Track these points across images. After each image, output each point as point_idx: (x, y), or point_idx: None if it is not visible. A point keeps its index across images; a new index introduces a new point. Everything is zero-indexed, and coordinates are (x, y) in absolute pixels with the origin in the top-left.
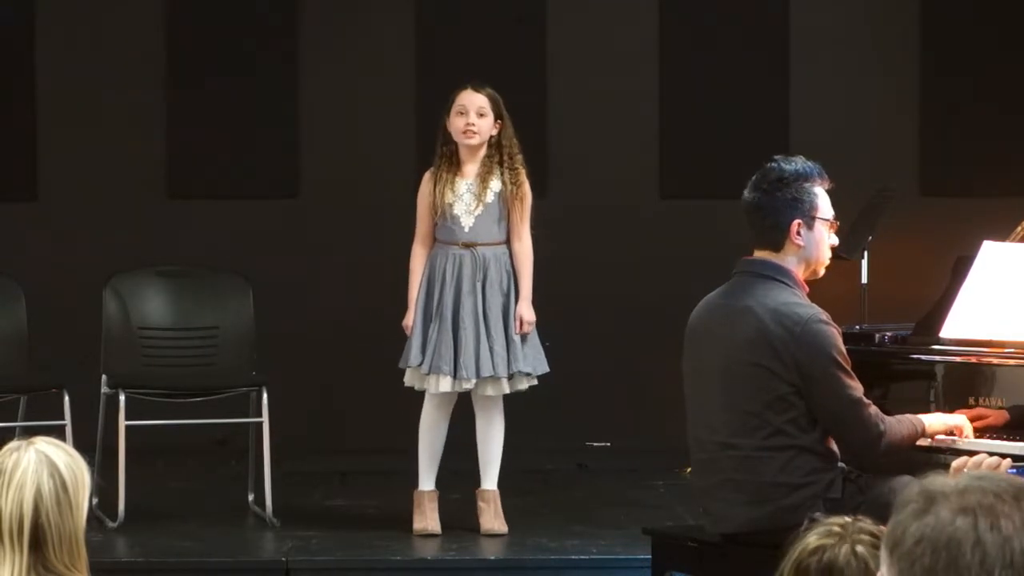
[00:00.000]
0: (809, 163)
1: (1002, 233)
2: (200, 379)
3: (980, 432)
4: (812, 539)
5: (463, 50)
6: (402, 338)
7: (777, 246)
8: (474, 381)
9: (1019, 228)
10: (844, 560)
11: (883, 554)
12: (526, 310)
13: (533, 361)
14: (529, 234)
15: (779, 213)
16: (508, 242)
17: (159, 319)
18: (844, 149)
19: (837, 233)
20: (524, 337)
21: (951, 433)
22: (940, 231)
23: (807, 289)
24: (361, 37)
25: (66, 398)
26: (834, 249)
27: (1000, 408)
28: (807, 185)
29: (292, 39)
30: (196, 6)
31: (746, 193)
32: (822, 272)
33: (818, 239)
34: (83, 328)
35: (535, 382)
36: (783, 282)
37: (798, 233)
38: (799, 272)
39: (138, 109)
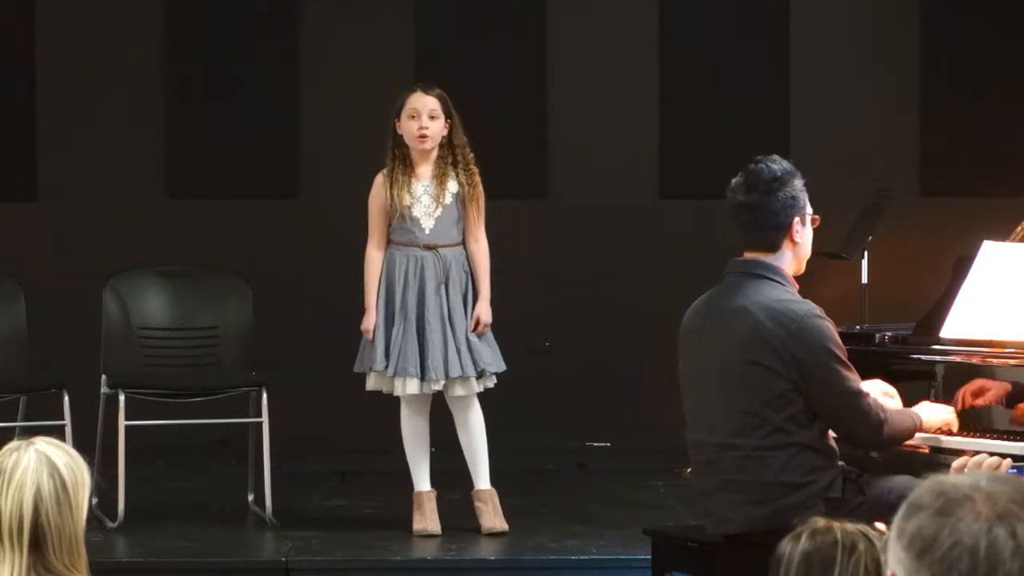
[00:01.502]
0: (785, 161)
1: (1002, 233)
2: (200, 379)
3: (981, 432)
4: (804, 536)
5: (463, 50)
6: None
7: (774, 246)
8: (443, 382)
9: (1019, 228)
10: (853, 536)
11: (904, 556)
12: (485, 311)
13: (493, 360)
14: (484, 234)
15: (779, 213)
16: (464, 243)
17: (159, 319)
18: (844, 149)
19: (825, 233)
20: (483, 336)
21: (941, 431)
22: (940, 231)
23: (797, 286)
24: (361, 37)
25: (66, 398)
26: (832, 249)
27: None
28: (797, 182)
29: (292, 39)
30: (196, 6)
31: (740, 196)
32: (803, 268)
33: (809, 235)
34: (83, 328)
35: (495, 380)
36: (775, 280)
37: (796, 231)
38: (790, 270)
39: (138, 109)
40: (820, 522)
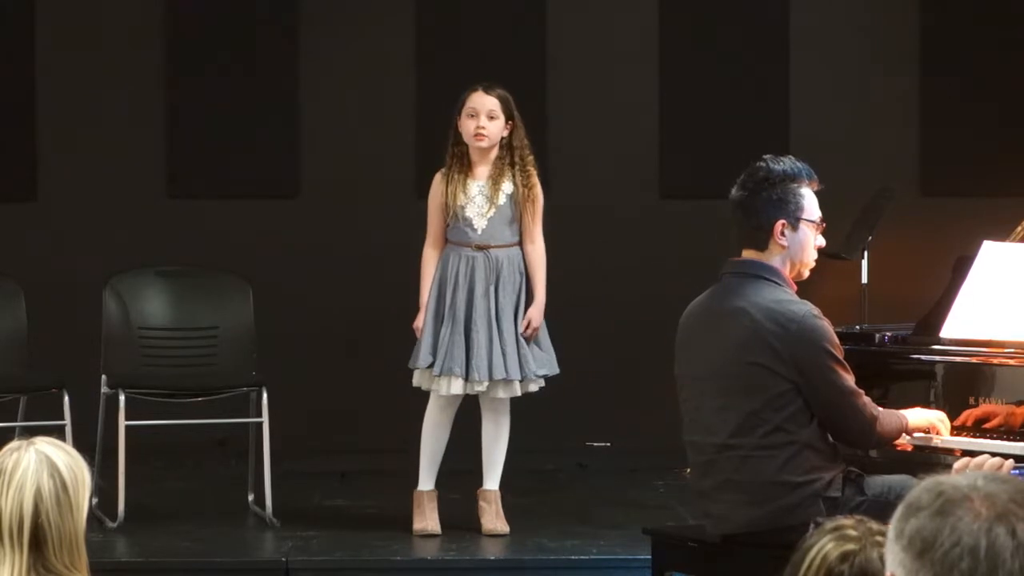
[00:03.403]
0: (798, 163)
1: (1002, 233)
2: (200, 379)
3: (983, 432)
4: (830, 545)
5: (463, 50)
6: (404, 338)
7: (762, 246)
8: (486, 383)
9: (1019, 228)
10: (878, 565)
11: (904, 557)
12: (536, 315)
13: (545, 362)
14: (542, 236)
15: (763, 213)
16: (521, 244)
17: (159, 319)
18: (844, 149)
19: (825, 233)
20: (536, 338)
21: (929, 431)
22: (940, 231)
23: (795, 287)
24: (361, 37)
25: (66, 398)
26: (832, 249)
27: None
28: (793, 186)
29: (292, 39)
30: (196, 5)
31: (733, 192)
32: (807, 273)
33: (803, 240)
34: (83, 328)
35: (543, 383)
36: (772, 281)
37: (782, 234)
38: (786, 271)
39: (138, 109)
40: (843, 534)
